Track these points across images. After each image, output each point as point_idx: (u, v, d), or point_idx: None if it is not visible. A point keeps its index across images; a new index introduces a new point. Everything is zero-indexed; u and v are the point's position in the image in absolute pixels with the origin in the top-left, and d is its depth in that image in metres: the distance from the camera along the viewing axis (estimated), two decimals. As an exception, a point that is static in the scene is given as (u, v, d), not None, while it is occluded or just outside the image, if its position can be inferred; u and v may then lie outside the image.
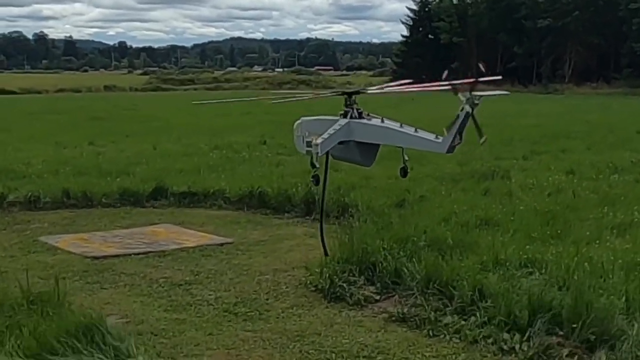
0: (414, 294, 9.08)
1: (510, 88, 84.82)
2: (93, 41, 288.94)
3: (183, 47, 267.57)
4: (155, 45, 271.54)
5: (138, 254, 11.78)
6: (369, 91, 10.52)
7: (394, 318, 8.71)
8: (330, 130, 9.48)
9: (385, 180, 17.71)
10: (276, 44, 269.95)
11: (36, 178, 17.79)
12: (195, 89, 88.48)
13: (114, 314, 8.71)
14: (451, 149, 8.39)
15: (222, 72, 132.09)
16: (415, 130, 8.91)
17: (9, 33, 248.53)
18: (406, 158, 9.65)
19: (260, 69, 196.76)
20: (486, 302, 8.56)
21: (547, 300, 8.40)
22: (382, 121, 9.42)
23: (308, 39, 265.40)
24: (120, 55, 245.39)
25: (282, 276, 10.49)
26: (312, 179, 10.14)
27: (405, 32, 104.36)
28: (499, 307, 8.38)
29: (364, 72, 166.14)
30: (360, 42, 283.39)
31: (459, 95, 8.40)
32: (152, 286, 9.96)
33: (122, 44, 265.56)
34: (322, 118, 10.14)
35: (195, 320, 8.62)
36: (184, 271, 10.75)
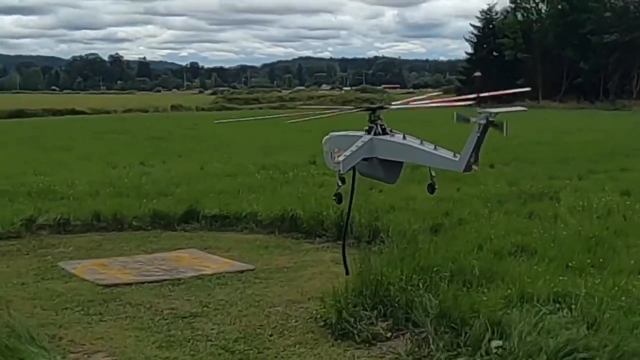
0: (426, 331, 8.25)
1: (576, 105, 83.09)
2: (166, 62, 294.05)
3: (253, 67, 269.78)
4: (226, 66, 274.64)
5: (152, 282, 11.17)
6: (392, 106, 9.79)
7: (401, 359, 7.88)
8: (353, 147, 8.88)
9: (427, 202, 16.82)
10: (344, 62, 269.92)
11: (73, 200, 17.40)
12: (260, 108, 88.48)
13: (102, 351, 8.07)
14: (468, 167, 7.78)
15: (289, 91, 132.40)
16: (435, 148, 8.30)
17: (86, 55, 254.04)
18: (433, 174, 8.94)
19: (328, 87, 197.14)
20: (503, 342, 7.68)
21: (573, 341, 7.50)
22: (404, 138, 8.73)
23: (375, 57, 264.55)
24: (192, 75, 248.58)
25: (294, 308, 9.74)
26: (334, 197, 9.48)
27: (470, 50, 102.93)
28: (517, 349, 7.49)
29: (430, 89, 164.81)
30: (427, 60, 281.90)
31: (463, 116, 7.80)
32: (153, 319, 9.31)
33: (194, 65, 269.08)
34: (350, 134, 9.51)
35: (187, 359, 7.93)
36: (192, 302, 10.08)
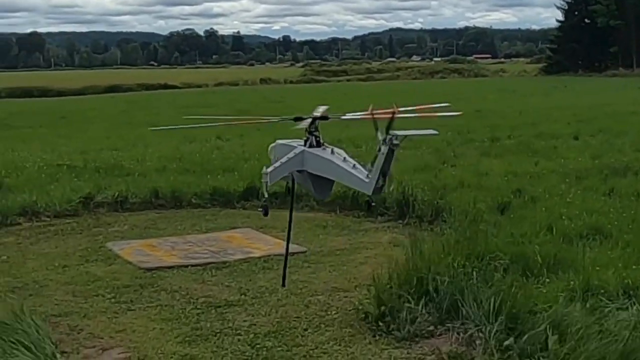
0: (477, 326, 7.23)
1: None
2: (259, 36, 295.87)
3: (344, 39, 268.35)
4: (318, 38, 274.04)
5: (196, 265, 10.43)
6: (329, 119, 8.63)
7: (444, 361, 6.90)
8: (284, 159, 7.97)
9: (499, 178, 15.67)
10: (434, 33, 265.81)
11: (138, 176, 16.88)
12: (348, 80, 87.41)
13: (119, 346, 7.35)
14: (376, 190, 7.01)
15: (379, 62, 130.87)
16: (353, 167, 7.35)
17: (182, 30, 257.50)
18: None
19: (418, 58, 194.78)
20: (562, 344, 6.62)
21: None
22: (332, 152, 7.72)
23: (466, 28, 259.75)
24: (284, 49, 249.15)
25: (337, 298, 8.84)
26: (260, 209, 8.48)
27: (561, 17, 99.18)
28: (574, 354, 6.42)
29: (521, 59, 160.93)
30: (519, 29, 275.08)
31: (377, 133, 6.87)
32: (185, 308, 8.54)
33: (286, 38, 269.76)
34: (293, 143, 8.45)
35: (208, 357, 7.13)
36: (231, 289, 9.28)
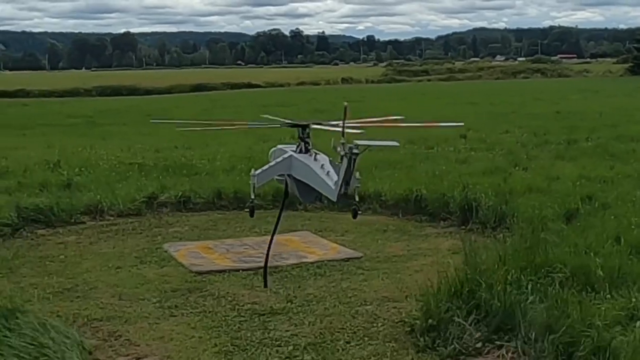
0: (526, 344, 6.69)
1: None
2: (344, 36, 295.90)
3: (427, 39, 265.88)
4: (401, 38, 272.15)
5: (248, 269, 10.13)
6: (321, 126, 8.32)
7: (488, 384, 6.39)
8: (272, 162, 7.93)
9: (572, 181, 14.90)
10: (519, 32, 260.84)
11: (205, 175, 16.74)
12: (429, 80, 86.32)
13: (154, 355, 7.06)
14: (341, 197, 6.95)
15: (462, 62, 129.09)
16: (327, 174, 7.16)
17: (268, 30, 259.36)
18: (357, 199, 7.34)
19: (502, 58, 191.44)
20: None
21: None
22: (315, 159, 7.50)
23: (551, 27, 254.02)
24: (368, 48, 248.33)
25: (386, 308, 8.38)
26: (246, 210, 8.19)
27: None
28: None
29: (607, 59, 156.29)
30: (606, 29, 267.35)
31: (335, 144, 6.74)
32: (229, 315, 8.22)
33: (370, 38, 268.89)
34: (286, 148, 8.21)
35: (241, 371, 6.79)
36: (279, 296, 8.93)
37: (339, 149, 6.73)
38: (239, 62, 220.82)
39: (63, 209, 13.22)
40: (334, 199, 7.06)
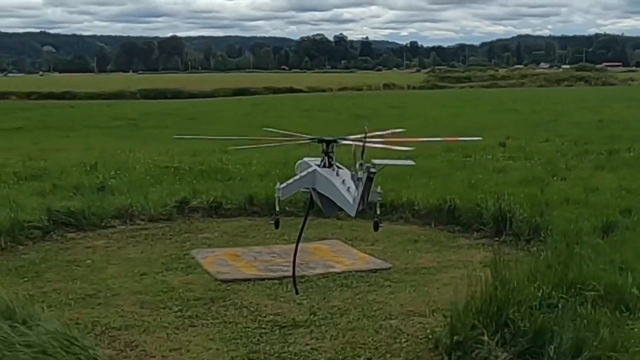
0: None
1: None
2: (387, 41, 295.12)
3: (471, 46, 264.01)
4: (445, 45, 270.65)
5: (273, 278, 9.88)
6: (345, 141, 8.05)
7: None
8: (296, 176, 7.74)
9: (612, 193, 14.43)
10: (564, 40, 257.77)
11: (239, 180, 16.55)
12: (471, 87, 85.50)
13: (169, 367, 6.85)
14: (359, 213, 6.87)
15: (505, 69, 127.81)
16: (348, 189, 6.97)
17: (313, 36, 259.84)
18: (378, 212, 7.18)
19: (546, 65, 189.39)
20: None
21: None
22: (337, 174, 7.31)
23: (596, 35, 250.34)
24: (412, 54, 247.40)
25: (411, 323, 8.06)
26: (271, 222, 7.92)
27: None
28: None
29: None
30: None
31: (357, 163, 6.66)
32: (249, 327, 7.97)
33: (413, 44, 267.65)
34: (312, 162, 8.01)
35: (256, 386, 6.53)
36: (302, 307, 8.66)
37: (357, 167, 6.64)
38: (282, 67, 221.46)
39: (94, 213, 13.12)
40: (353, 214, 6.93)
